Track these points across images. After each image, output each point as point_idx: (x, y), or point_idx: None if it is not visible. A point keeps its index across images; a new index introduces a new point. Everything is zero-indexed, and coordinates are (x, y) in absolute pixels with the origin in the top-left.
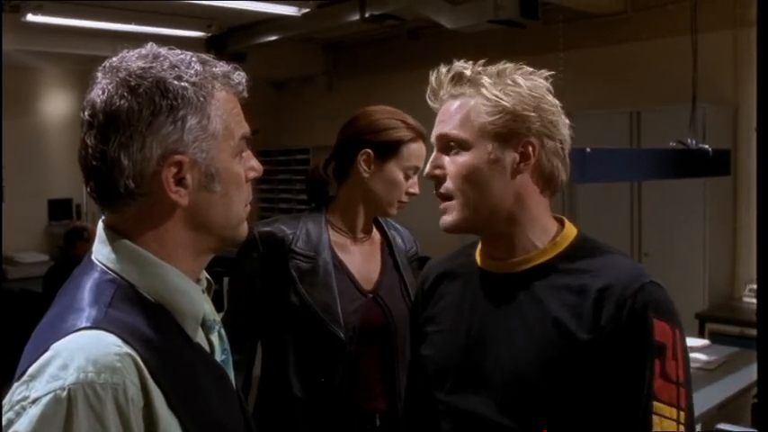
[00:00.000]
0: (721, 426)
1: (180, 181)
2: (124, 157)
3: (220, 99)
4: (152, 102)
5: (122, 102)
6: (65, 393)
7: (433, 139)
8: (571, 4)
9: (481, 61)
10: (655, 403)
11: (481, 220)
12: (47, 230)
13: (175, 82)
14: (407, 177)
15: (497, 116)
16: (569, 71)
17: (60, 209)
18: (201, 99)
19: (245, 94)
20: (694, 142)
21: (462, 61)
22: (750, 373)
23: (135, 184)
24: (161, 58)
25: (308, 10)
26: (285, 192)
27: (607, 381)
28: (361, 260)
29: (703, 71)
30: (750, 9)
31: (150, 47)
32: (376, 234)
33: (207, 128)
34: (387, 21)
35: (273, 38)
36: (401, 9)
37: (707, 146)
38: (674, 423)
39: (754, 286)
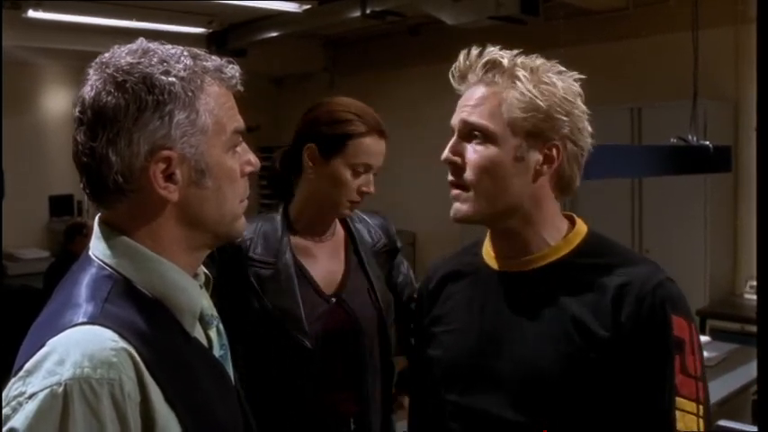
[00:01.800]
0: (722, 422)
1: (170, 177)
2: (112, 153)
3: (211, 93)
4: (138, 97)
5: (109, 98)
6: (61, 389)
7: (455, 122)
8: (572, 0)
9: (515, 51)
10: (677, 399)
11: (496, 215)
12: (47, 227)
13: (163, 77)
14: (357, 175)
15: (530, 114)
16: (570, 67)
17: (61, 205)
18: (190, 94)
19: (240, 88)
20: (695, 139)
21: (498, 48)
22: (750, 370)
23: (124, 180)
24: (150, 54)
25: (308, 6)
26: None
27: (628, 377)
28: (323, 262)
29: (704, 68)
30: (751, 6)
31: (140, 42)
32: (339, 231)
33: (196, 123)
34: (387, 17)
35: (274, 34)
36: (402, 5)
37: (708, 142)
38: (695, 417)
39: (755, 283)
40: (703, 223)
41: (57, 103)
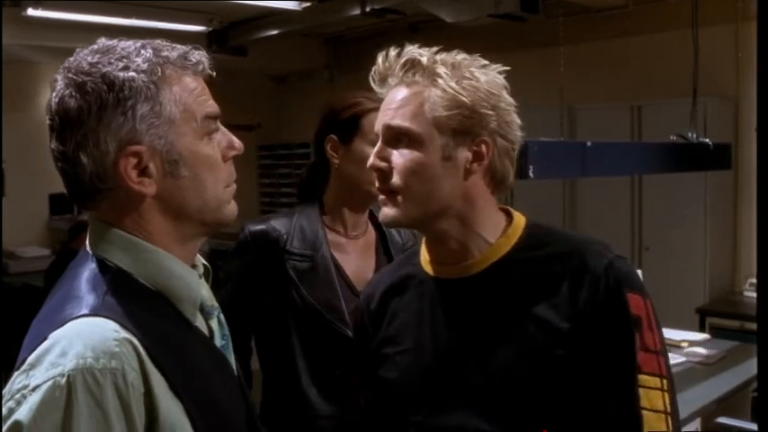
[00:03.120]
0: (721, 420)
1: (144, 171)
2: (83, 155)
3: (176, 83)
4: (99, 97)
5: (72, 101)
6: (64, 380)
7: (377, 128)
8: None
9: (435, 48)
10: (640, 376)
11: (428, 217)
12: (48, 225)
13: (121, 73)
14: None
15: (454, 111)
16: (570, 65)
17: (61, 203)
18: (152, 86)
19: (209, 72)
20: (695, 136)
21: (416, 46)
22: (750, 368)
23: (99, 181)
24: (110, 52)
25: (308, 4)
26: (286, 186)
27: (592, 363)
28: (355, 259)
29: (705, 65)
30: (751, 3)
31: (101, 41)
32: (371, 231)
33: (161, 114)
34: (387, 15)
35: (274, 32)
36: (402, 3)
37: (707, 140)
38: (659, 392)
39: (755, 280)
40: (703, 221)
41: None
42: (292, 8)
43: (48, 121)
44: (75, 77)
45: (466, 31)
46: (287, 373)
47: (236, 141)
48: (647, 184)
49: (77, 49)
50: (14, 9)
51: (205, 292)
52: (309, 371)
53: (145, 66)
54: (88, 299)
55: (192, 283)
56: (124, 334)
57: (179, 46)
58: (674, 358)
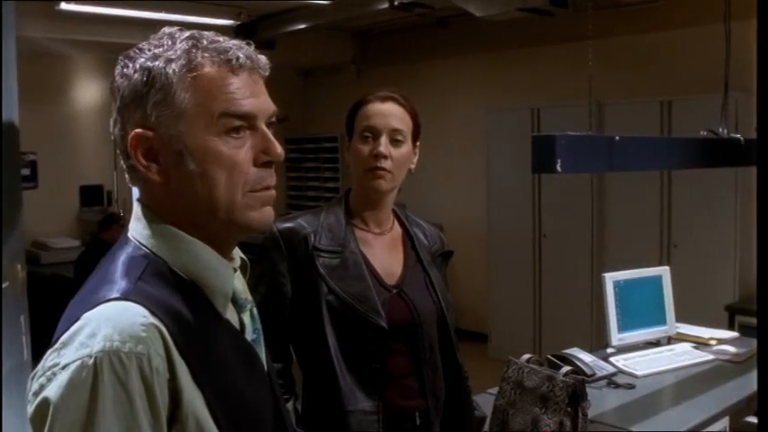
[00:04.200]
0: (749, 419)
1: (155, 158)
2: (117, 135)
3: (199, 77)
4: (130, 81)
5: (114, 83)
6: (91, 361)
7: None
8: None
9: None
10: None
11: None
12: (78, 216)
13: (148, 62)
14: (365, 141)
15: None
16: (599, 60)
17: (92, 195)
18: (173, 77)
19: (255, 70)
20: (726, 131)
21: None
22: None
23: (125, 160)
24: (154, 40)
25: None
26: (313, 180)
27: None
28: (382, 254)
29: (736, 60)
30: None
31: (162, 31)
32: (397, 229)
33: (172, 104)
34: (416, 9)
35: (302, 26)
36: None
37: (738, 135)
38: None
39: None
40: (733, 218)
41: (88, 94)
42: (320, 2)
43: None
44: (120, 61)
45: (494, 25)
46: (324, 369)
47: (275, 148)
48: (676, 181)
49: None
50: (48, 3)
51: (239, 284)
52: (346, 365)
53: (170, 54)
54: (121, 283)
55: (225, 275)
56: (152, 320)
57: (227, 40)
58: (703, 356)
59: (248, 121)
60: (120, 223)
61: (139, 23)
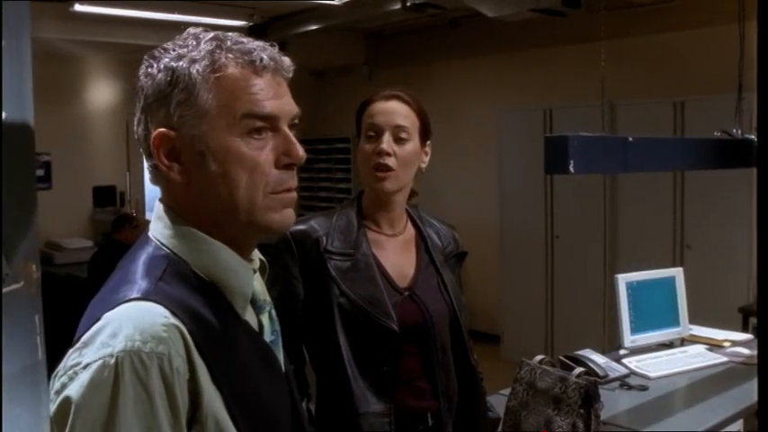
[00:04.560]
0: None
1: (178, 158)
2: (140, 133)
3: (224, 76)
4: (155, 80)
5: (139, 82)
6: (112, 360)
7: None
8: None
9: None
10: None
11: None
12: (92, 217)
13: (172, 62)
14: (369, 140)
15: None
16: (612, 60)
17: (104, 196)
18: (198, 77)
19: (279, 72)
20: (740, 132)
21: None
22: None
23: (148, 159)
24: (179, 40)
25: None
26: (325, 180)
27: None
28: (395, 256)
29: (750, 60)
30: None
31: (188, 31)
32: (410, 230)
33: (195, 104)
34: (428, 9)
35: (314, 27)
36: None
37: (753, 136)
38: None
39: None
40: (747, 219)
41: (101, 95)
42: (332, 3)
43: None
44: (145, 61)
45: (506, 25)
46: (336, 372)
47: (297, 150)
48: (689, 181)
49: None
50: (62, 4)
51: (258, 286)
52: (357, 368)
53: (194, 54)
54: (142, 283)
55: (244, 276)
56: (173, 320)
57: (251, 42)
58: (717, 358)
59: (271, 122)
60: (133, 224)
61: (153, 24)
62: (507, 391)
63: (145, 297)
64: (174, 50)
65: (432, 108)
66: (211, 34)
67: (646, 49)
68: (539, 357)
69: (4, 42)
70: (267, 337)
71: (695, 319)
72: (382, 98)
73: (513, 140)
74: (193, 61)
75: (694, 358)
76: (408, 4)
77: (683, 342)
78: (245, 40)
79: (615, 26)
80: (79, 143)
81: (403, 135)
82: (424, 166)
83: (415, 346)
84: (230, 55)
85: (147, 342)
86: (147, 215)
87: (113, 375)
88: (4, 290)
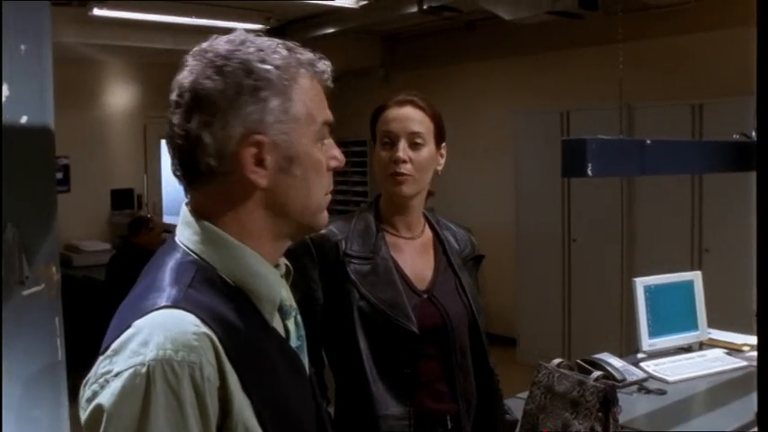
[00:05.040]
0: None
1: (260, 162)
2: (207, 135)
3: (304, 85)
4: (236, 82)
5: (208, 81)
6: (144, 369)
7: None
8: None
9: None
10: None
11: None
12: (109, 220)
13: (259, 64)
14: (385, 147)
15: None
16: (630, 63)
17: (122, 199)
18: (285, 83)
19: (330, 84)
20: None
21: None
22: None
23: (216, 163)
24: (247, 43)
25: (365, 2)
26: (341, 184)
27: None
28: (413, 259)
29: None
30: None
31: (239, 33)
32: (427, 233)
33: (289, 110)
34: (444, 12)
35: (331, 30)
36: (458, 1)
37: None
38: None
39: None
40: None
41: (119, 98)
42: (349, 6)
43: (174, 98)
44: (214, 59)
45: (523, 28)
46: (356, 375)
47: (340, 155)
48: (706, 184)
49: (213, 36)
50: (80, 9)
51: (284, 291)
52: (377, 371)
53: (280, 62)
54: (171, 290)
55: (273, 282)
56: (203, 329)
57: (308, 51)
58: (736, 362)
59: (330, 129)
60: (149, 226)
61: (170, 28)
62: (524, 395)
63: (175, 305)
64: (250, 52)
65: (448, 111)
66: (276, 40)
67: (662, 52)
68: (556, 361)
69: (25, 47)
70: (293, 342)
71: (714, 323)
72: (396, 104)
73: (530, 143)
74: (279, 67)
75: (713, 362)
76: (425, 6)
77: (702, 346)
78: (302, 48)
79: (632, 28)
80: (97, 146)
81: (418, 141)
82: (440, 168)
83: (435, 349)
84: (304, 62)
85: (179, 351)
86: (166, 218)
87: (145, 384)
88: (25, 292)
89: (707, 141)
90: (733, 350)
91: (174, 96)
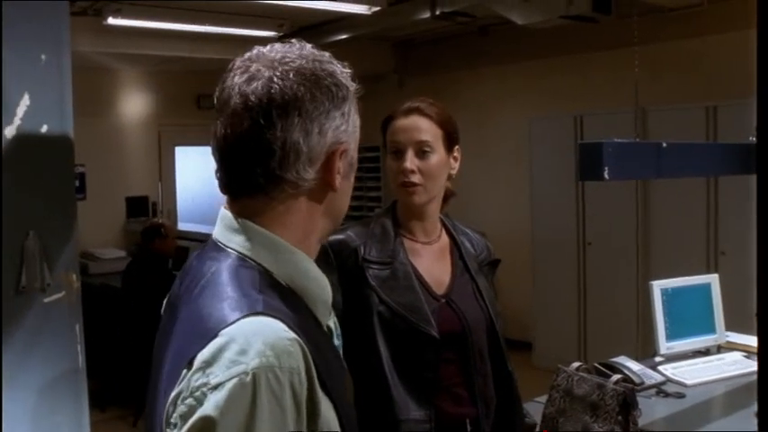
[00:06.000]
0: None
1: (338, 169)
2: (300, 139)
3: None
4: (330, 91)
5: (301, 88)
6: (249, 377)
7: None
8: None
9: None
10: None
11: None
12: (125, 227)
13: (342, 78)
14: (394, 157)
15: None
16: (643, 66)
17: (137, 206)
18: (352, 95)
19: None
20: None
21: None
22: None
23: (305, 170)
24: (317, 53)
25: (378, 8)
26: (356, 189)
27: None
28: (430, 264)
29: None
30: None
31: (298, 42)
32: (444, 238)
33: (355, 120)
34: (457, 18)
35: (344, 36)
36: (472, 6)
37: None
38: None
39: None
40: None
41: (133, 107)
42: (362, 12)
43: (250, 104)
44: (301, 70)
45: (537, 33)
46: (376, 379)
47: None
48: (722, 187)
49: (271, 45)
50: (95, 18)
51: None
52: (398, 375)
53: (345, 75)
54: (249, 298)
55: (325, 284)
56: (293, 334)
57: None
58: (754, 365)
59: None
60: (163, 234)
61: (184, 36)
62: (542, 398)
63: (260, 312)
64: (332, 63)
65: (462, 116)
66: (322, 52)
67: (676, 54)
68: (575, 364)
69: (45, 57)
70: (335, 342)
71: (732, 325)
72: (402, 114)
73: (544, 148)
74: (346, 79)
75: (731, 366)
76: (438, 12)
77: (720, 349)
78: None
79: (646, 31)
80: (112, 154)
81: (426, 149)
82: (453, 172)
83: (454, 353)
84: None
85: (280, 357)
86: (180, 226)
87: (251, 393)
88: (46, 299)
89: (723, 144)
90: (751, 353)
91: (249, 103)
